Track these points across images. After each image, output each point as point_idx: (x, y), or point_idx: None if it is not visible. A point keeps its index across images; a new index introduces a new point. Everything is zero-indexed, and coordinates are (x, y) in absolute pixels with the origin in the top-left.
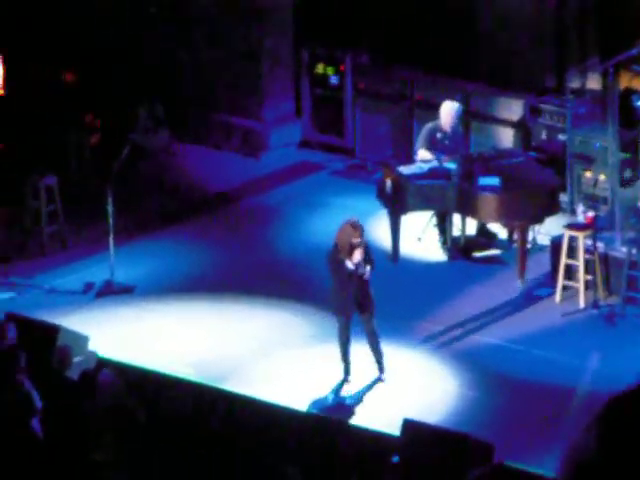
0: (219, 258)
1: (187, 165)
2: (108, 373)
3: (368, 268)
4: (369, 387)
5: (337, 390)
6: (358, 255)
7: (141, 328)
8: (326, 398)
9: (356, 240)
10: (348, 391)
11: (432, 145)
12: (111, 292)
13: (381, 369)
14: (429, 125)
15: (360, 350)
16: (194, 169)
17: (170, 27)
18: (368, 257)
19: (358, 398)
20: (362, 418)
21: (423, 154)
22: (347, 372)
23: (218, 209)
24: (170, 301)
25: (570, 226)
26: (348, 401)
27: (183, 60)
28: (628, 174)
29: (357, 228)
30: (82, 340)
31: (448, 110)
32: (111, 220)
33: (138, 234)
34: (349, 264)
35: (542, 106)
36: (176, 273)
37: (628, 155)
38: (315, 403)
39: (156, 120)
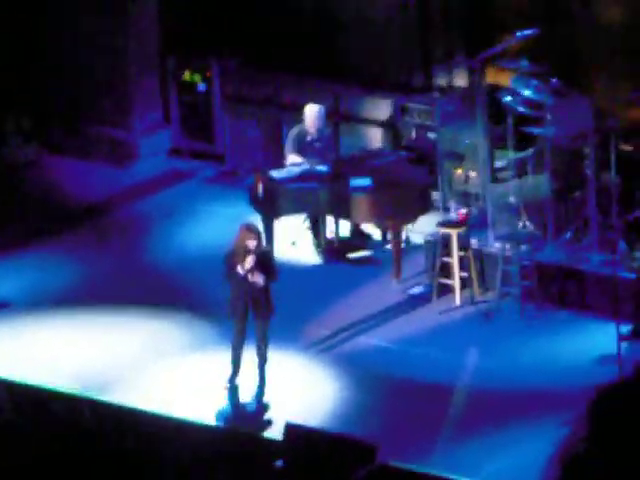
0: (92, 270)
1: (56, 178)
2: None
3: (260, 277)
4: (252, 394)
5: (228, 397)
6: (250, 261)
7: (18, 343)
8: (221, 408)
9: (251, 243)
10: (236, 399)
11: (301, 148)
12: None
13: (262, 376)
14: (295, 129)
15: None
16: (63, 181)
17: (31, 35)
18: (267, 265)
19: (241, 404)
20: (245, 424)
21: (293, 158)
22: (233, 376)
23: (89, 221)
24: (46, 315)
25: (443, 223)
26: (237, 410)
27: (48, 70)
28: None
29: (252, 231)
30: None
31: (311, 112)
32: None
33: (9, 249)
34: (240, 269)
35: (410, 105)
36: (50, 287)
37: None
38: (199, 411)
39: (24, 133)
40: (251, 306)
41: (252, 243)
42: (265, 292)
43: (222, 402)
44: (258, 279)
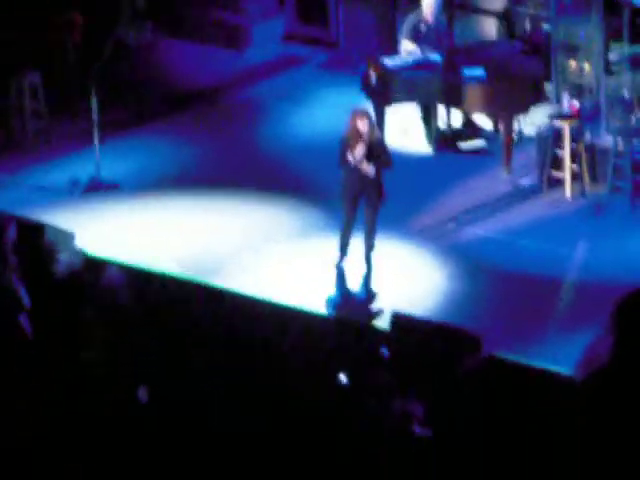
0: (205, 154)
1: (170, 60)
2: (116, 272)
3: (371, 167)
4: (360, 282)
5: (336, 285)
6: (360, 150)
7: (127, 225)
8: (329, 296)
9: (362, 127)
10: (345, 286)
11: (416, 37)
12: (97, 189)
13: (369, 263)
14: (411, 16)
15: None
16: (177, 64)
17: None
18: (379, 153)
19: (348, 292)
20: (353, 312)
21: (407, 45)
22: (340, 260)
23: (202, 104)
24: (156, 197)
25: (556, 116)
26: (345, 297)
27: None
28: None
29: (363, 116)
30: (68, 237)
31: (429, 1)
32: (95, 116)
33: (123, 131)
34: (350, 157)
35: None
36: (162, 170)
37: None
38: (307, 297)
39: (138, 15)
40: (362, 194)
41: (364, 127)
42: (376, 181)
43: (331, 289)
44: (369, 169)
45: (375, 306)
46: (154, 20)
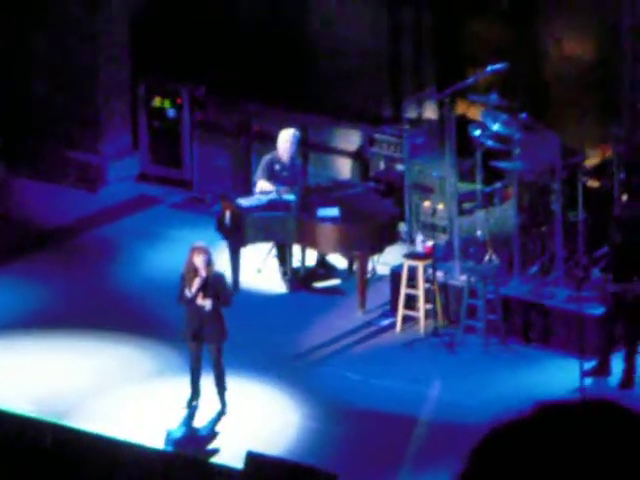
0: (58, 294)
1: (23, 200)
2: None
3: (208, 300)
4: (212, 421)
5: (182, 423)
6: (196, 283)
7: None
8: (170, 432)
9: (198, 262)
10: (191, 424)
11: (271, 176)
12: None
13: (223, 403)
14: (267, 156)
15: (207, 382)
16: (30, 204)
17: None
18: (218, 289)
19: (201, 431)
20: (205, 452)
21: (262, 185)
22: (193, 397)
23: (55, 244)
24: (8, 338)
25: (409, 255)
26: (191, 435)
27: (18, 91)
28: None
29: (199, 251)
30: None
31: (286, 137)
32: None
33: None
34: (187, 291)
35: (379, 136)
36: (13, 310)
37: (466, 185)
38: (158, 437)
39: None
40: (201, 331)
41: (200, 262)
42: (216, 316)
43: (175, 426)
44: (206, 302)
45: (215, 444)
46: (8, 159)
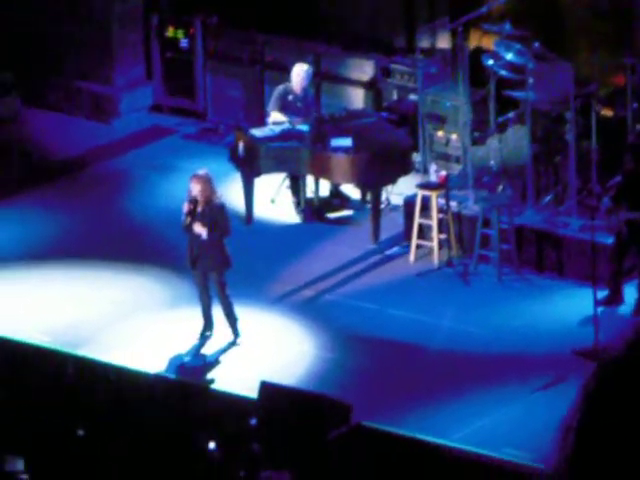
0: (71, 224)
1: (38, 132)
2: None
3: (202, 229)
4: (224, 351)
5: (194, 352)
6: (186, 207)
7: None
8: (183, 361)
9: (194, 189)
10: (204, 354)
11: (284, 107)
12: None
13: (235, 333)
14: (280, 87)
15: (218, 312)
16: (45, 136)
17: None
18: (217, 218)
19: (214, 362)
20: (219, 382)
21: (275, 116)
22: (206, 328)
23: (70, 175)
24: (23, 268)
25: (423, 185)
26: (204, 365)
27: (32, 25)
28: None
29: (196, 179)
30: None
31: (299, 72)
32: None
33: None
34: (183, 217)
35: (392, 66)
36: (29, 240)
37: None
38: (172, 367)
39: (4, 87)
40: (199, 258)
41: (196, 191)
42: (214, 245)
43: (188, 355)
44: (200, 230)
45: (227, 374)
46: (22, 92)
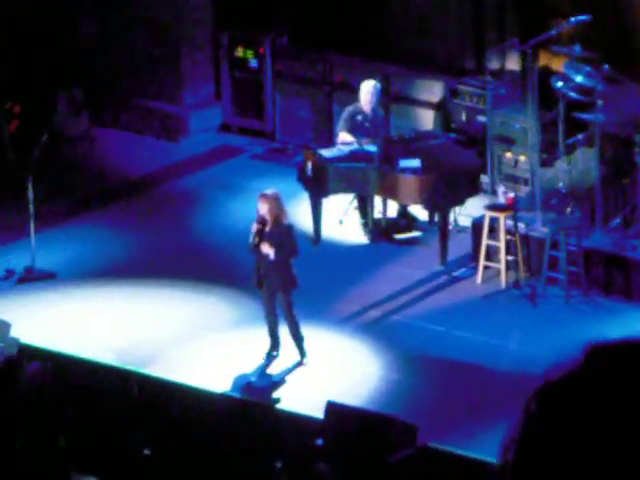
0: (140, 243)
1: (107, 150)
2: (36, 366)
3: (269, 249)
4: (291, 370)
5: (260, 372)
6: (254, 227)
7: (63, 314)
8: (249, 381)
9: (261, 209)
10: (271, 374)
11: (353, 128)
12: (32, 278)
13: (302, 353)
14: (349, 107)
15: (284, 332)
16: (114, 154)
17: (89, 12)
18: (284, 238)
19: (281, 382)
20: (285, 402)
21: (344, 136)
22: (272, 347)
23: (139, 194)
24: (92, 286)
25: (491, 207)
26: (271, 385)
27: (103, 45)
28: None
29: (264, 198)
30: (3, 327)
31: (367, 88)
32: (31, 206)
33: (59, 220)
34: (251, 237)
35: (461, 87)
36: (98, 258)
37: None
38: (238, 386)
39: (75, 105)
40: (266, 278)
41: (263, 210)
42: (281, 265)
43: (255, 375)
44: (270, 251)
45: (293, 394)
46: (91, 110)
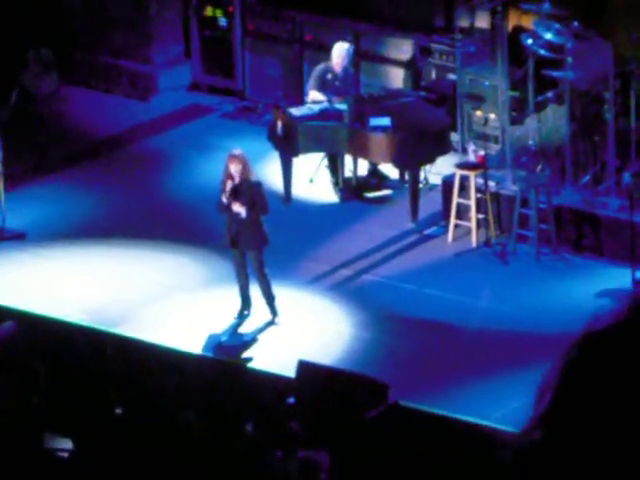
0: (110, 202)
1: (77, 109)
2: (10, 326)
3: (242, 207)
4: (262, 330)
5: (232, 331)
6: (228, 187)
7: (33, 274)
8: (221, 340)
9: (232, 168)
10: (242, 333)
11: (323, 86)
12: (1, 238)
13: (273, 312)
14: (320, 66)
15: (256, 291)
16: (84, 113)
17: None
18: (254, 197)
19: (252, 341)
20: (257, 361)
21: (314, 95)
22: (244, 307)
23: (109, 153)
24: (62, 246)
25: (461, 165)
26: (242, 344)
27: (70, 2)
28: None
29: (234, 157)
30: None
31: (339, 51)
32: (1, 165)
33: (28, 180)
34: (223, 197)
35: (431, 46)
36: (68, 218)
37: (516, 92)
38: (210, 346)
39: (44, 64)
40: (239, 237)
41: (233, 170)
42: (252, 224)
43: (226, 334)
44: (239, 209)
45: (264, 353)
46: (60, 69)
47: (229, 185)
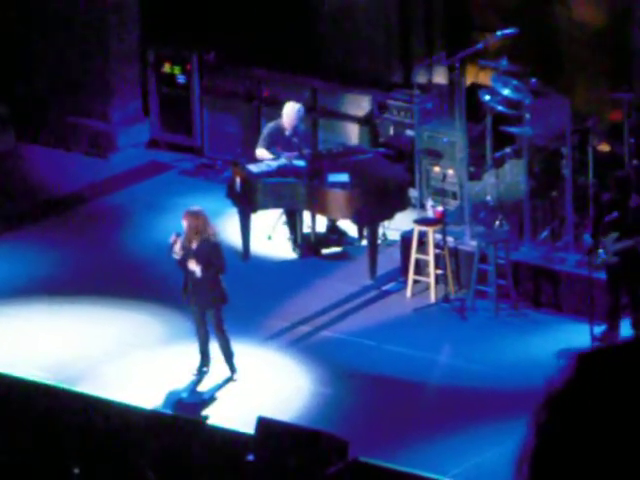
0: (69, 260)
1: (35, 168)
2: None
3: (196, 266)
4: (221, 386)
5: (191, 389)
6: (177, 246)
7: None
8: (180, 397)
9: (185, 224)
10: (201, 391)
11: (276, 143)
12: None
13: (232, 369)
14: (271, 124)
15: (215, 348)
16: (42, 171)
17: (11, 24)
18: (210, 255)
19: (211, 397)
20: (216, 417)
21: (261, 153)
22: (203, 364)
23: (66, 211)
24: (20, 305)
25: (420, 221)
26: (202, 401)
27: (28, 59)
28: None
29: (188, 215)
30: None
31: (290, 111)
32: None
33: None
34: (174, 254)
35: (389, 102)
36: (25, 276)
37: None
38: (169, 403)
39: (1, 121)
40: (195, 295)
41: (186, 227)
42: (210, 282)
43: (185, 391)
44: (194, 268)
45: (223, 410)
46: (16, 126)
47: (173, 237)
